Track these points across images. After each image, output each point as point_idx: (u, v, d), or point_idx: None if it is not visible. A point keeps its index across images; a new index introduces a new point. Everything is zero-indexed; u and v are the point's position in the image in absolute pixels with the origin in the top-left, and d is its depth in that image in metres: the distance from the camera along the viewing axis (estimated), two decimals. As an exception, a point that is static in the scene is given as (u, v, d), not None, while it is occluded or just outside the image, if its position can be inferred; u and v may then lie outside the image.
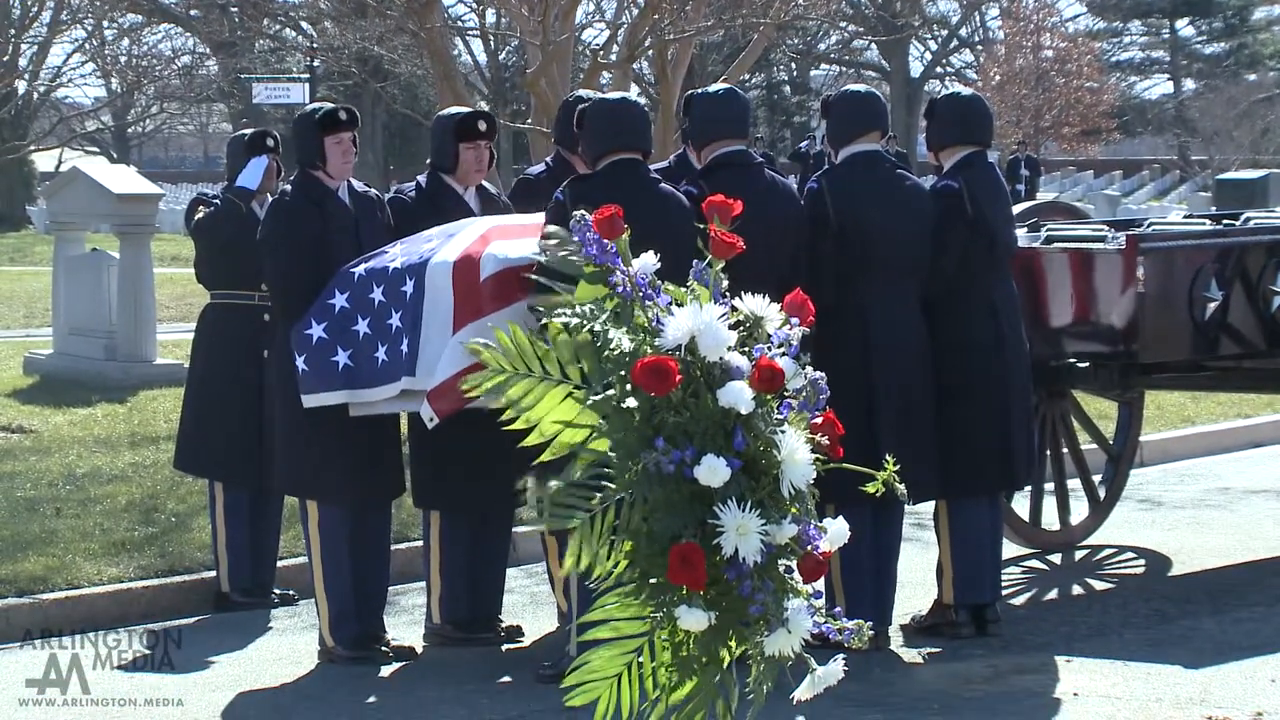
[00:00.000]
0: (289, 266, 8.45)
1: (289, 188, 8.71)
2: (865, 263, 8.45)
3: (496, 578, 8.95)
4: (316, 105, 8.85)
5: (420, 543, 9.15)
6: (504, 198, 9.33)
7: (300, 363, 8.22)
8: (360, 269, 8.26)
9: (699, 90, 9.00)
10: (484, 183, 9.08)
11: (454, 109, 9.40)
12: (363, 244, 8.48)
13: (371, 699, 8.03)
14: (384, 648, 8.56)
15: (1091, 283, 9.65)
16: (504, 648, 8.80)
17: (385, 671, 8.43)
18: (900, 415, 8.44)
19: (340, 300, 8.23)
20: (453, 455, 8.39)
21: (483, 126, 8.96)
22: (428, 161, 9.14)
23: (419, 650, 8.68)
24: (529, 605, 9.49)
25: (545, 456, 4.20)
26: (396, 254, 8.26)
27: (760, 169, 8.52)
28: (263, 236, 8.67)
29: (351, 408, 8.26)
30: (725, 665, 4.19)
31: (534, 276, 4.39)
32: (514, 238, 8.01)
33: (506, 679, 8.31)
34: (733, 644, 4.17)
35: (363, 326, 8.17)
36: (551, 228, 4.36)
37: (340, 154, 8.57)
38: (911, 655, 8.56)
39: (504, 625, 8.93)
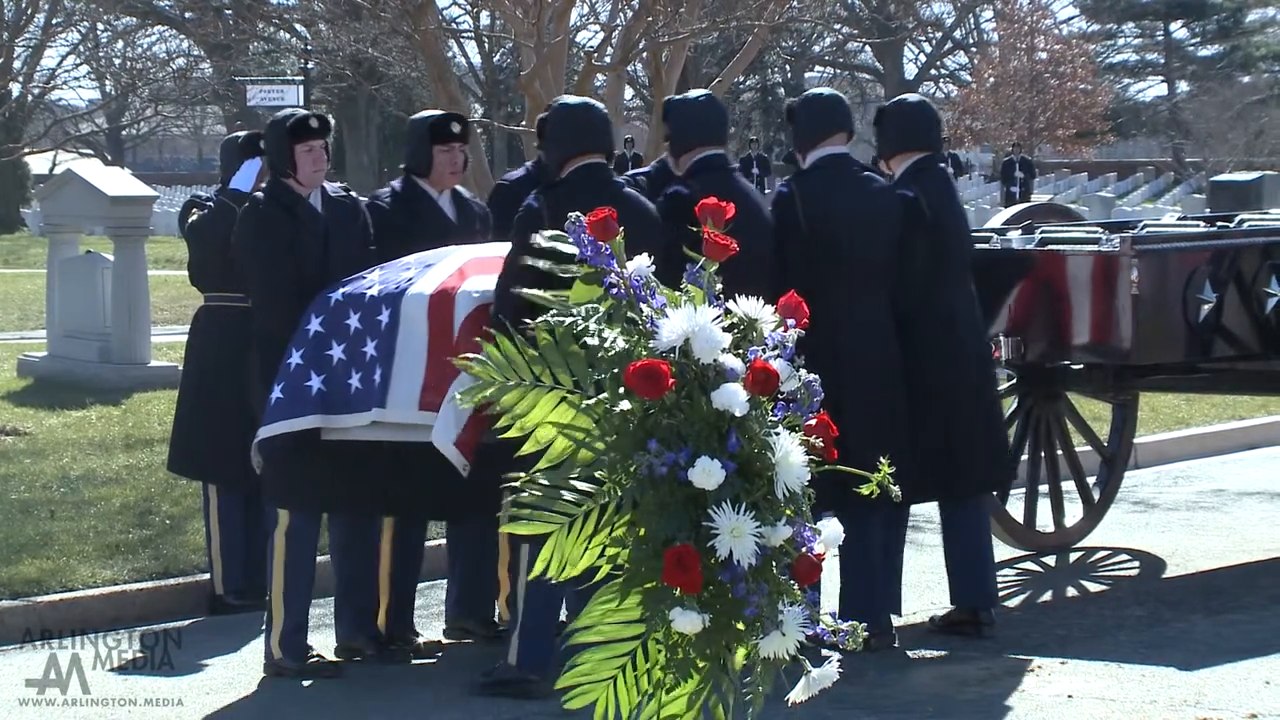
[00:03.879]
0: (262, 273, 8.41)
1: (260, 195, 8.66)
2: (835, 267, 8.39)
3: (489, 581, 8.90)
4: (288, 112, 8.74)
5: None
6: (478, 201, 9.32)
7: (277, 391, 8.14)
8: (338, 294, 8.20)
9: (677, 96, 8.99)
10: (458, 186, 9.04)
11: (427, 112, 9.34)
12: (332, 250, 8.42)
13: (367, 702, 8.03)
14: (409, 646, 8.60)
15: (1086, 285, 9.65)
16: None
17: (391, 672, 8.43)
18: (870, 422, 8.36)
19: (315, 325, 8.17)
20: (406, 464, 8.36)
21: (456, 128, 8.89)
22: (401, 166, 9.11)
23: (441, 643, 8.72)
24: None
25: (542, 464, 4.19)
26: (374, 280, 8.20)
27: (735, 174, 8.52)
28: (235, 244, 8.60)
29: (323, 432, 8.20)
30: (725, 668, 4.18)
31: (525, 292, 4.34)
32: (491, 272, 7.98)
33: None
34: (730, 647, 4.17)
35: (337, 352, 8.11)
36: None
37: (311, 162, 8.46)
38: (908, 657, 8.56)
39: (501, 629, 8.90)
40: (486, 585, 8.87)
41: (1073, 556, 10.76)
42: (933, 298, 8.71)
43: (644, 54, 17.59)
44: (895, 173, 8.93)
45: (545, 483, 4.13)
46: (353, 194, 8.87)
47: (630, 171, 9.57)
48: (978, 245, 10.11)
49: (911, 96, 9.53)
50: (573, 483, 4.13)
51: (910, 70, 66.88)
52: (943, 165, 9.18)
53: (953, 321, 8.73)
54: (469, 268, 8.11)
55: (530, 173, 9.10)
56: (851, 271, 8.45)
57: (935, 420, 8.68)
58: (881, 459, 4.33)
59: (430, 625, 9.04)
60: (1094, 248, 9.66)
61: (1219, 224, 11.29)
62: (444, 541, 9.36)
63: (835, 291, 8.41)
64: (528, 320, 4.23)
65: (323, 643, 8.58)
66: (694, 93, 9.10)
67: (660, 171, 8.90)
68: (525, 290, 4.28)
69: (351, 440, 8.22)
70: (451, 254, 8.31)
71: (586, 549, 4.14)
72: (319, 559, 8.80)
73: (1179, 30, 69.14)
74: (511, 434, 4.20)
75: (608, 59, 17.81)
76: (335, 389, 8.10)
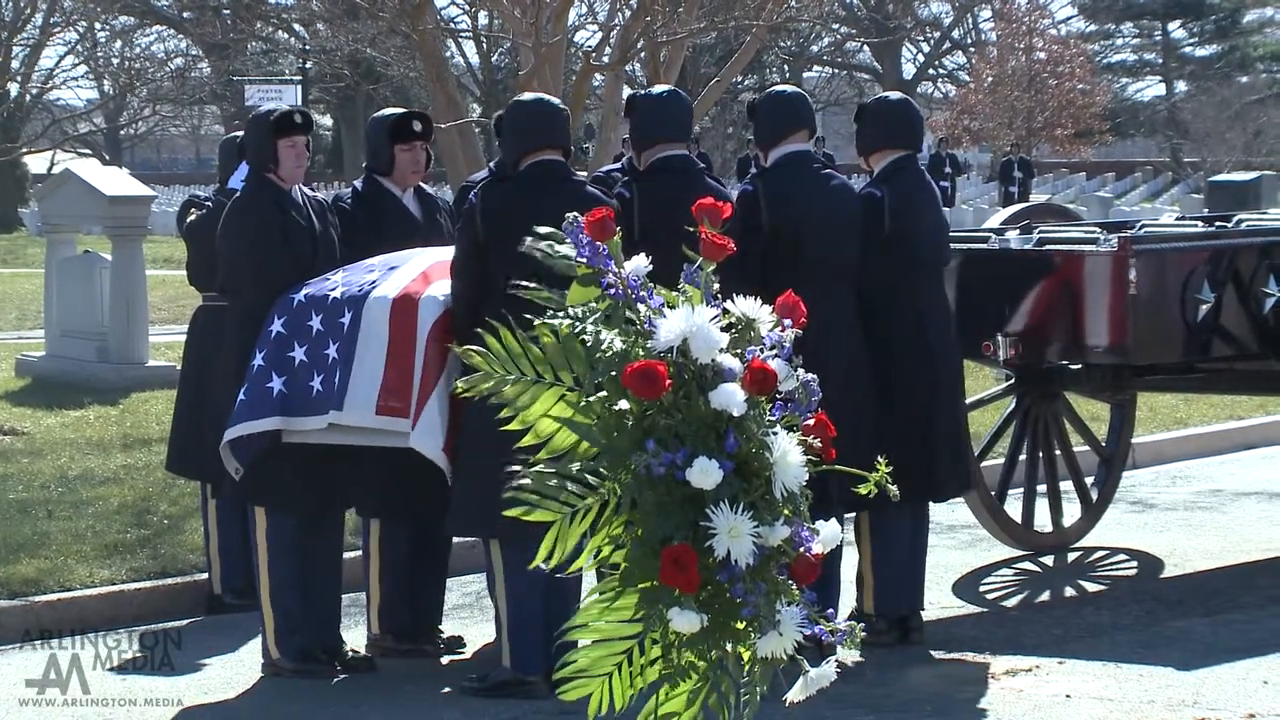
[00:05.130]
0: (255, 268, 8.31)
1: (244, 190, 8.56)
2: (798, 266, 8.22)
3: (437, 587, 8.80)
4: (271, 108, 8.67)
5: (360, 552, 9.00)
6: (442, 198, 9.28)
7: (241, 394, 8.11)
8: (300, 295, 8.14)
9: (641, 91, 8.91)
10: (420, 184, 8.98)
11: (388, 110, 9.27)
12: (319, 245, 8.39)
13: (366, 701, 8.03)
14: (339, 661, 8.44)
15: (1084, 285, 9.65)
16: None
17: (378, 672, 8.42)
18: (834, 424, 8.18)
19: (278, 325, 8.12)
20: (390, 465, 8.33)
21: (418, 127, 8.82)
22: (363, 165, 9.06)
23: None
24: (469, 616, 9.41)
25: (541, 456, 4.19)
26: (337, 282, 8.15)
27: (700, 175, 8.40)
28: (222, 238, 8.50)
29: (284, 434, 8.14)
30: (724, 667, 4.18)
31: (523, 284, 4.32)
32: None
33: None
34: (728, 647, 4.18)
35: (299, 354, 8.06)
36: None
37: (293, 157, 8.39)
38: (906, 656, 8.56)
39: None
40: (420, 595, 8.70)
41: (1071, 556, 10.75)
42: (901, 298, 8.66)
43: (642, 54, 17.59)
44: (874, 170, 8.89)
45: (548, 470, 4.13)
46: (319, 195, 8.82)
47: (605, 168, 9.53)
48: (976, 245, 10.13)
49: (894, 95, 9.43)
50: (575, 473, 4.13)
51: (908, 70, 66.87)
52: (921, 167, 9.11)
53: (921, 326, 8.67)
54: (433, 272, 8.07)
55: (492, 172, 9.00)
56: (815, 270, 8.30)
57: (910, 423, 8.61)
58: (878, 460, 4.34)
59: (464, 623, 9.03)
60: (1092, 248, 9.65)
61: (1217, 224, 11.30)
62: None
63: (798, 291, 8.24)
64: (529, 316, 4.23)
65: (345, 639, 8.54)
66: (658, 88, 9.03)
67: (628, 167, 8.84)
68: (523, 286, 4.27)
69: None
70: (415, 256, 8.27)
71: (582, 544, 4.15)
72: (346, 555, 8.79)
73: (1177, 30, 69.13)
74: (513, 426, 4.20)
75: (606, 59, 17.81)
76: (296, 391, 8.05)
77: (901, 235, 8.64)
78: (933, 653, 8.61)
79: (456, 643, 8.80)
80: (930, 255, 8.80)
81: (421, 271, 8.08)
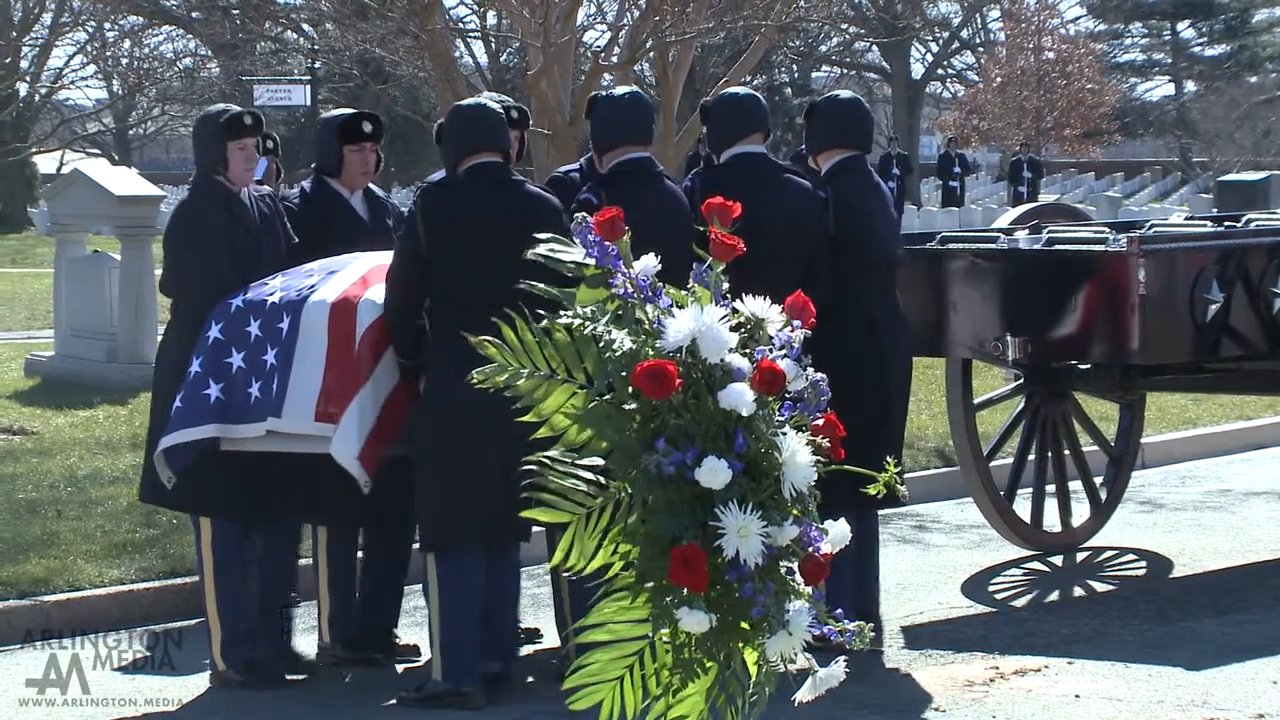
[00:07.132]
0: (194, 273, 8.21)
1: (190, 193, 8.49)
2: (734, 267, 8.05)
3: (393, 594, 8.68)
4: (223, 107, 8.56)
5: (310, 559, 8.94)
6: (392, 201, 9.24)
7: (178, 400, 7.98)
8: (238, 300, 8.04)
9: (603, 93, 8.83)
10: (371, 186, 8.90)
11: (338, 110, 9.17)
12: (264, 248, 8.29)
13: (369, 702, 8.02)
14: (385, 653, 8.44)
15: (1093, 285, 9.64)
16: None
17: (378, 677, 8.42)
18: None
19: (215, 332, 8.00)
20: (335, 471, 8.13)
21: (368, 128, 8.73)
22: (312, 165, 8.99)
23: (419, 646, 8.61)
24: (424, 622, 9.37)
25: (556, 449, 4.19)
26: (275, 287, 8.04)
27: (660, 178, 8.32)
28: (165, 237, 8.41)
29: (222, 442, 8.01)
30: (731, 668, 4.18)
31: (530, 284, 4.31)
32: None
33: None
34: (736, 646, 4.17)
35: (237, 360, 7.94)
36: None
37: (243, 160, 8.29)
38: (912, 657, 8.56)
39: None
40: (374, 602, 8.64)
41: (1080, 556, 10.75)
42: (852, 306, 8.45)
43: (651, 54, 17.60)
44: (821, 169, 8.84)
45: (562, 467, 4.12)
46: (265, 188, 8.75)
47: (562, 168, 9.48)
48: (985, 245, 10.12)
49: (844, 94, 9.33)
50: (587, 474, 4.12)
51: (917, 70, 66.83)
52: (870, 167, 8.99)
53: (873, 331, 8.55)
54: (372, 276, 7.99)
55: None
56: (750, 272, 8.15)
57: (857, 430, 8.48)
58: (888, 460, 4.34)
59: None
60: (1101, 248, 9.64)
61: (1226, 224, 11.28)
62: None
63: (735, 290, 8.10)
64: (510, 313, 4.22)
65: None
66: (620, 89, 8.97)
67: (587, 169, 8.77)
68: (533, 284, 4.27)
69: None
70: (355, 261, 8.18)
71: (600, 545, 4.14)
72: (301, 562, 8.76)
73: (1186, 30, 69.14)
74: (529, 418, 4.19)
75: (615, 59, 17.82)
76: (234, 398, 7.93)
77: (849, 236, 8.52)
78: (941, 653, 8.61)
79: (412, 650, 8.66)
80: (879, 257, 8.66)
81: (360, 275, 7.99)
